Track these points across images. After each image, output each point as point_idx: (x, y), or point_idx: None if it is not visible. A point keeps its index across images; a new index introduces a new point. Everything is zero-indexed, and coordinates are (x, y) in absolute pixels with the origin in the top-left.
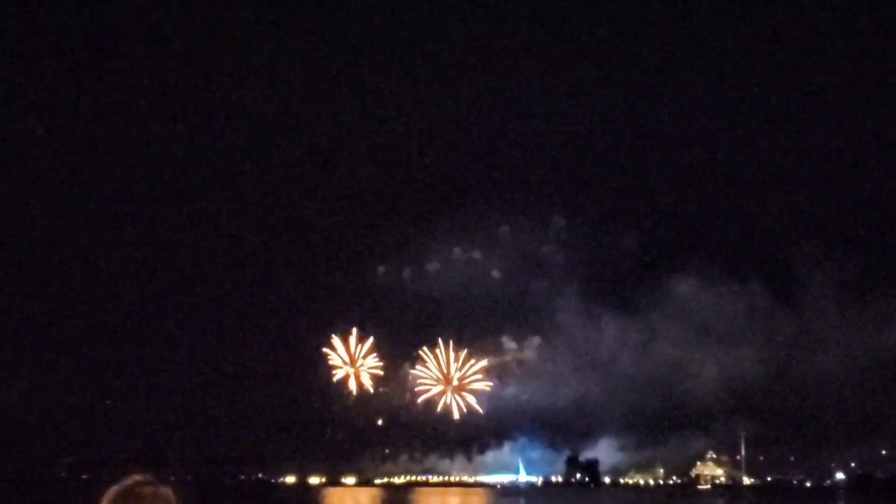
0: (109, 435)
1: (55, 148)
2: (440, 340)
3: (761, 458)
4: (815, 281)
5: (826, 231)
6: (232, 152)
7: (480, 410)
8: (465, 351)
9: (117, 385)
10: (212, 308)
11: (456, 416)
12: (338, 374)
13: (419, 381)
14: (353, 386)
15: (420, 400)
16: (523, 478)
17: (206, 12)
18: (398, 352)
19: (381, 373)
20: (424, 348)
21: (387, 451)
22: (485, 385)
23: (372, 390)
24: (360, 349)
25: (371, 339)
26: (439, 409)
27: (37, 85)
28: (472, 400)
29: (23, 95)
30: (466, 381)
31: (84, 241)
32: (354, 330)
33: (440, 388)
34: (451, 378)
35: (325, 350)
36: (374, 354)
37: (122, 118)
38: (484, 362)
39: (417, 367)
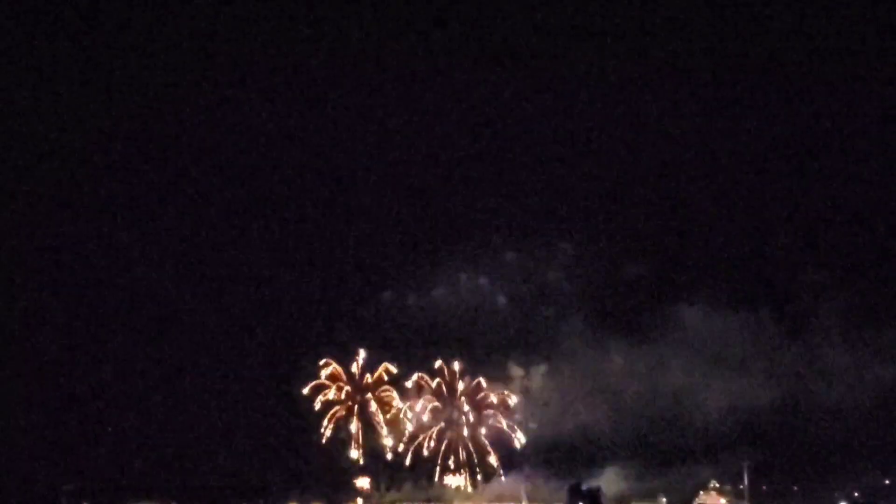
0: (111, 463)
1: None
2: (444, 366)
3: (764, 487)
4: (824, 310)
5: (835, 260)
6: (235, 169)
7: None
8: (479, 380)
9: (119, 412)
10: (214, 333)
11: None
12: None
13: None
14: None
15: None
16: None
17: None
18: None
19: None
20: (425, 376)
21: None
22: (509, 426)
23: (383, 430)
24: (369, 377)
25: (383, 366)
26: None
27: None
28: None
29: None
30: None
31: (85, 264)
32: (362, 353)
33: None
34: (459, 402)
35: (323, 381)
36: (385, 387)
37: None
38: (513, 400)
39: (411, 403)
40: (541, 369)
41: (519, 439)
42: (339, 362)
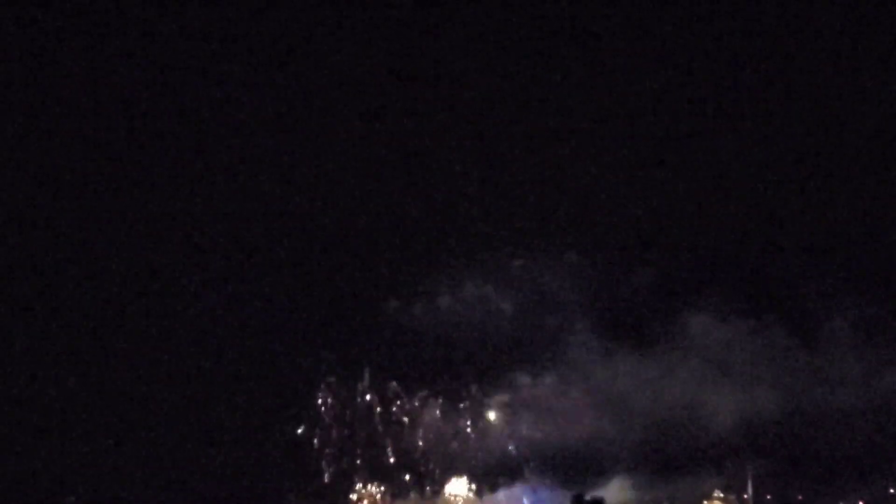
0: (111, 475)
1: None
2: (450, 380)
3: (768, 496)
4: (833, 318)
5: (845, 268)
6: (237, 175)
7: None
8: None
9: (119, 424)
10: (213, 346)
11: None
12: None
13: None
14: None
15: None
16: None
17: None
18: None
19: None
20: (431, 392)
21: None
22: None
23: (388, 445)
24: (374, 397)
25: (390, 386)
26: None
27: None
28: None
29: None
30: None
31: (85, 273)
32: (366, 373)
33: None
34: (464, 414)
35: (325, 401)
36: (389, 404)
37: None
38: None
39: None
40: (546, 378)
41: (529, 467)
42: (342, 380)
